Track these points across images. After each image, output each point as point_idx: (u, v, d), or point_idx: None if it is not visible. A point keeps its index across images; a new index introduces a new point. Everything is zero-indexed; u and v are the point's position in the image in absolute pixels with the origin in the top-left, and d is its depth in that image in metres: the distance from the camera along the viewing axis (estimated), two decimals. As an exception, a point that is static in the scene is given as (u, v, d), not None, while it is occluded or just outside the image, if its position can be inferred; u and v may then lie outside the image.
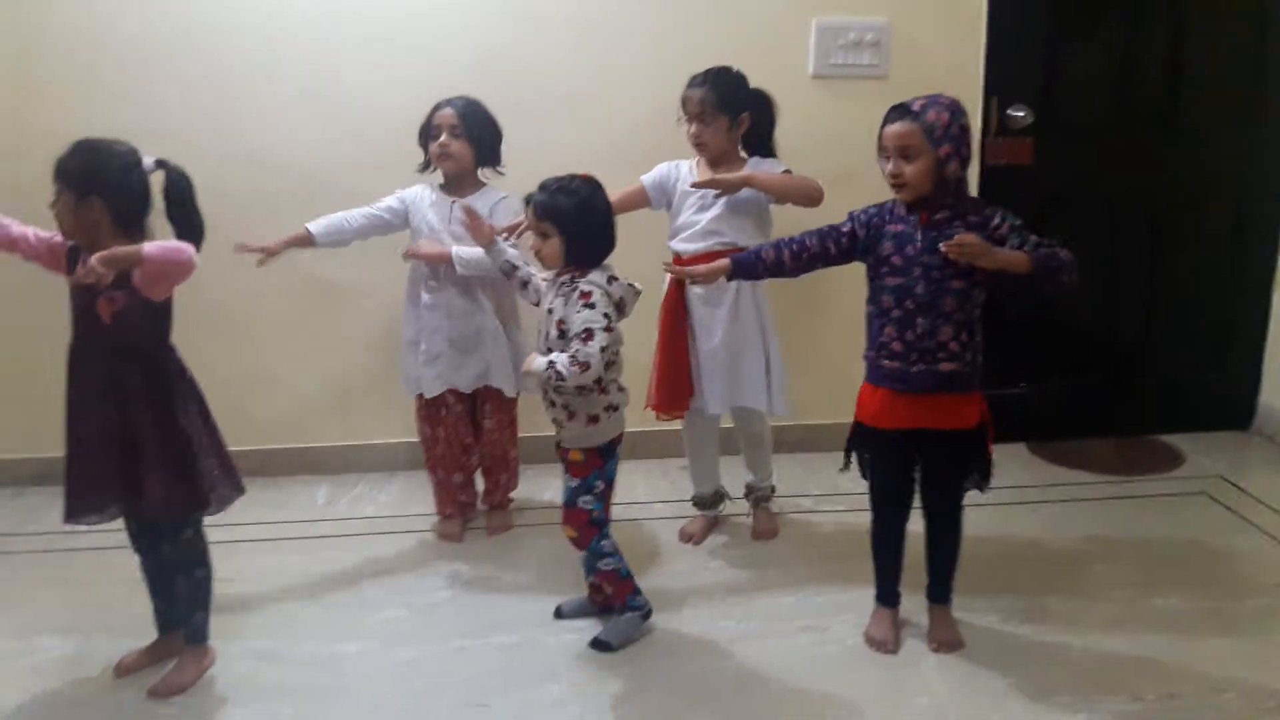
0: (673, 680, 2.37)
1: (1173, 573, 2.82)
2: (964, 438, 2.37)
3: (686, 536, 3.02)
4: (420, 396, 3.00)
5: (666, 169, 2.85)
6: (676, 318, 2.80)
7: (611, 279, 2.32)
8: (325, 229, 2.85)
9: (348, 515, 3.25)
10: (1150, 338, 3.77)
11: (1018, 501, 3.20)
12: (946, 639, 2.49)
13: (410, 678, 2.38)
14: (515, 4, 3.24)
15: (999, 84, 3.39)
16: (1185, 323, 3.76)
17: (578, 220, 2.28)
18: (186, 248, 2.09)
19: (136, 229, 2.15)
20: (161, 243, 2.10)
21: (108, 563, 2.75)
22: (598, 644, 2.47)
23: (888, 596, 2.54)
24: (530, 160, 2.99)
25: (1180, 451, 3.66)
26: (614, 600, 2.52)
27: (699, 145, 2.77)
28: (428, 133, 2.86)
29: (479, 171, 2.93)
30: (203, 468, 2.22)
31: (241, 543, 2.92)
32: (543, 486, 3.31)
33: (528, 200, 2.34)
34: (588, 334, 2.24)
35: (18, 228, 2.18)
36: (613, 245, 2.35)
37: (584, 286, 2.29)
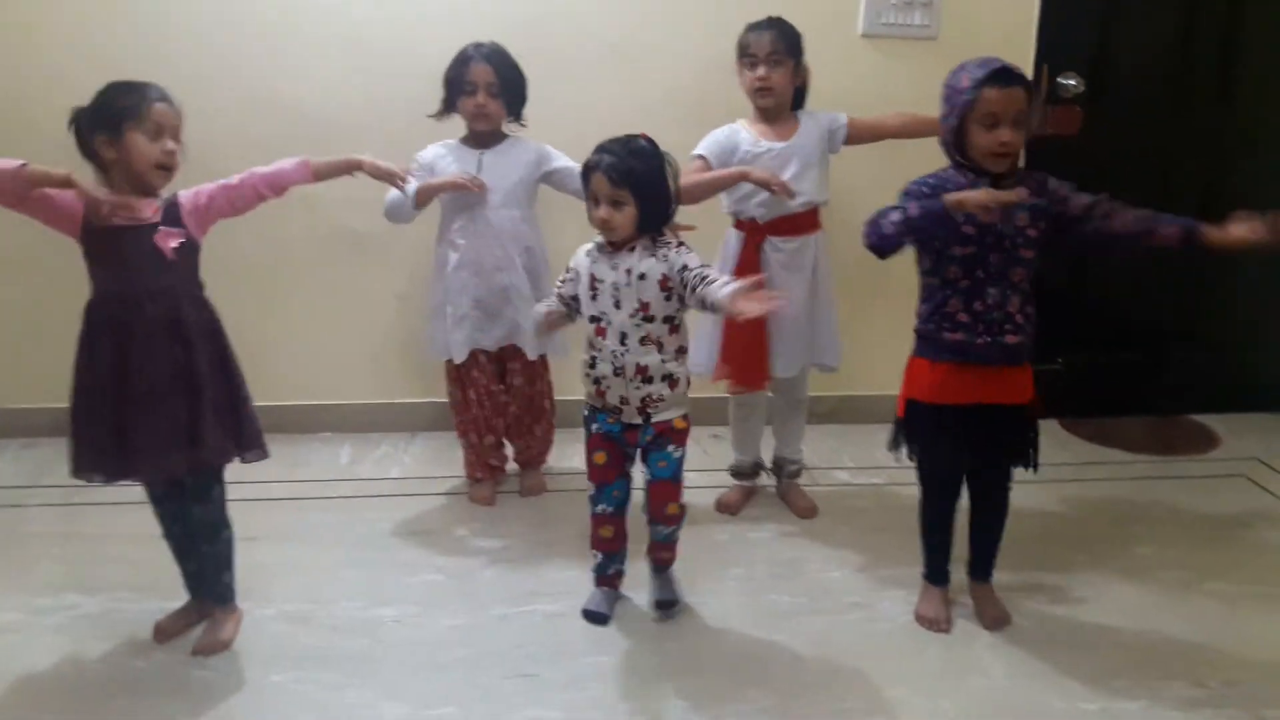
0: (723, 655, 2.31)
1: (1218, 556, 2.78)
2: (1019, 412, 2.31)
3: (724, 507, 2.95)
4: (450, 364, 2.91)
5: (723, 136, 2.69)
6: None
7: None
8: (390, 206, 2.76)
9: (373, 475, 3.16)
10: (1188, 317, 3.71)
11: (1055, 479, 3.13)
12: (996, 615, 2.44)
13: (453, 645, 2.31)
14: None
15: (1050, 51, 3.30)
16: (1223, 302, 3.70)
17: (653, 183, 2.15)
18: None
19: None
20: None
21: (119, 518, 2.69)
22: (667, 604, 2.42)
23: (938, 575, 2.48)
24: (572, 114, 2.91)
25: (1215, 433, 3.62)
26: (671, 560, 2.47)
27: (764, 90, 2.64)
28: (459, 86, 2.72)
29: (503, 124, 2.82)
30: (253, 408, 2.17)
31: (263, 500, 2.84)
32: (570, 453, 3.23)
33: (593, 166, 2.16)
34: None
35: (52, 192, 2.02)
36: (675, 209, 2.24)
37: (675, 241, 2.20)
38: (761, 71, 2.62)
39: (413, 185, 2.64)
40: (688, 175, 2.49)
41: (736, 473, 3.01)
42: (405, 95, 3.04)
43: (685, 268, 2.15)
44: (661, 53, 3.18)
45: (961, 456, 2.36)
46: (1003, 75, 2.11)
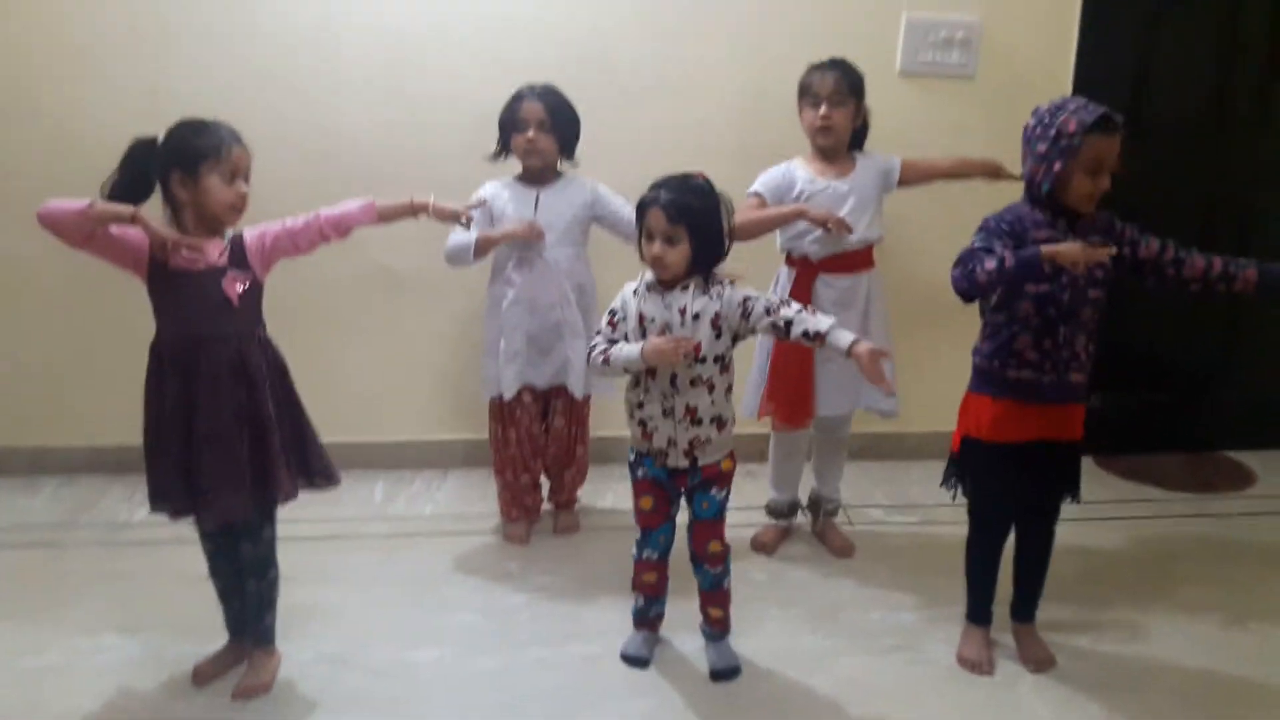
0: (763, 698, 2.29)
1: (1262, 597, 2.74)
2: (1072, 448, 2.31)
3: (760, 546, 2.94)
4: (497, 403, 2.91)
5: (779, 174, 2.71)
6: None
7: None
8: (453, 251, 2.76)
9: (407, 514, 3.16)
10: (1225, 352, 3.68)
11: (1094, 517, 3.10)
12: (1041, 657, 2.41)
13: (491, 690, 2.29)
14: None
15: (1087, 88, 3.29)
16: (1260, 338, 3.68)
17: (709, 221, 2.14)
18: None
19: None
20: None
21: (161, 557, 2.70)
22: (726, 673, 2.35)
23: (982, 614, 2.45)
24: (610, 153, 2.92)
25: (1251, 470, 3.59)
26: (725, 624, 2.41)
27: (826, 129, 2.65)
28: (512, 124, 2.76)
29: (559, 163, 2.84)
30: (319, 440, 2.21)
31: (298, 540, 2.81)
32: (603, 490, 3.22)
33: (649, 202, 2.14)
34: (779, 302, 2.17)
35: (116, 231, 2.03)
36: (728, 250, 2.22)
37: (727, 279, 2.19)
38: (824, 110, 2.64)
39: (473, 233, 2.67)
40: (743, 213, 2.51)
41: (774, 511, 2.99)
42: (452, 138, 3.10)
43: (748, 299, 2.15)
44: (704, 88, 3.20)
45: (1016, 494, 2.35)
46: (1109, 123, 2.10)
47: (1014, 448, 2.26)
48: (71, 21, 3.04)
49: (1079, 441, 2.32)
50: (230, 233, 2.12)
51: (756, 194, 2.69)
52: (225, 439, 2.07)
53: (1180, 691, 2.33)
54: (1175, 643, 2.52)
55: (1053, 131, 2.12)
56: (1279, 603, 2.71)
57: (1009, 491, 2.34)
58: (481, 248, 2.72)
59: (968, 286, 2.14)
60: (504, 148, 2.81)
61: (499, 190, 2.81)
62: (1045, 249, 2.06)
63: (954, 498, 2.40)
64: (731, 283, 2.19)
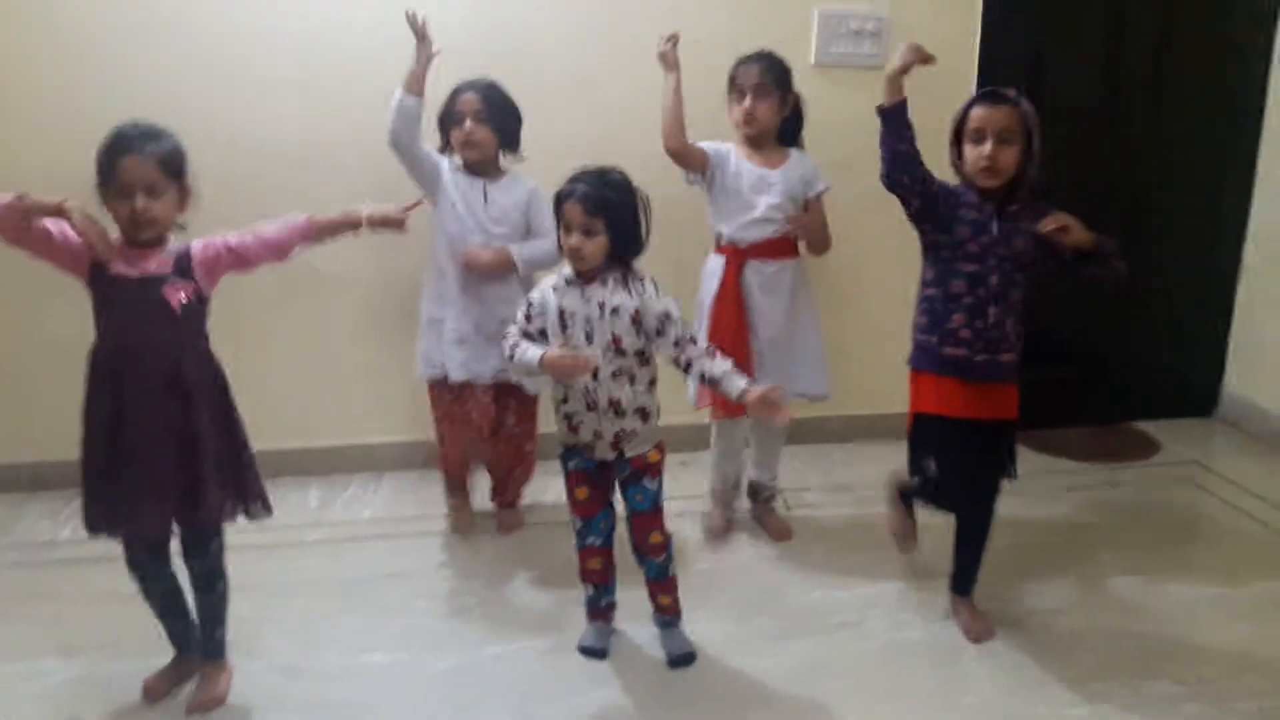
0: (719, 684, 2.34)
1: (1174, 558, 2.91)
2: (1007, 427, 2.41)
3: (715, 533, 2.98)
4: (440, 387, 2.88)
5: (715, 147, 2.77)
6: (735, 307, 2.75)
7: None
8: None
9: (345, 519, 3.12)
10: (1124, 328, 3.86)
11: (1012, 491, 3.21)
12: (982, 629, 2.51)
13: (449, 689, 2.30)
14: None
15: (990, 75, 3.42)
16: (1155, 311, 3.87)
17: (626, 215, 2.18)
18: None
19: None
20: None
21: (90, 576, 2.63)
22: (682, 659, 2.39)
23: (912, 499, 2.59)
24: (550, 145, 2.92)
25: (1154, 439, 3.78)
26: (675, 609, 2.45)
27: (749, 121, 2.71)
28: (449, 117, 2.75)
29: (501, 157, 2.83)
30: (256, 466, 2.15)
31: (237, 549, 2.71)
32: (544, 486, 3.22)
33: (566, 195, 2.18)
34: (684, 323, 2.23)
35: (50, 222, 1.97)
36: (646, 243, 2.26)
37: (649, 277, 2.24)
38: (747, 103, 2.69)
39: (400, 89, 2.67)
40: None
41: (719, 497, 3.04)
42: (373, 134, 3.04)
43: (667, 318, 2.20)
44: (621, 86, 3.21)
45: (969, 469, 2.43)
46: (991, 95, 2.27)
47: (963, 424, 2.36)
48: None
49: (1013, 421, 2.42)
50: (174, 243, 2.06)
51: (702, 147, 2.75)
52: (149, 453, 2.01)
53: (1106, 652, 2.45)
54: (1098, 606, 2.65)
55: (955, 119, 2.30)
56: (1188, 563, 2.88)
57: (959, 468, 2.42)
58: (412, 82, 2.68)
59: (886, 169, 2.33)
60: (445, 142, 2.80)
61: (450, 171, 2.80)
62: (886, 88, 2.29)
63: (913, 474, 2.50)
64: (654, 282, 2.24)
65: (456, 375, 2.82)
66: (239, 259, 2.11)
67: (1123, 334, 3.88)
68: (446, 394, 2.89)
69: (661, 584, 2.42)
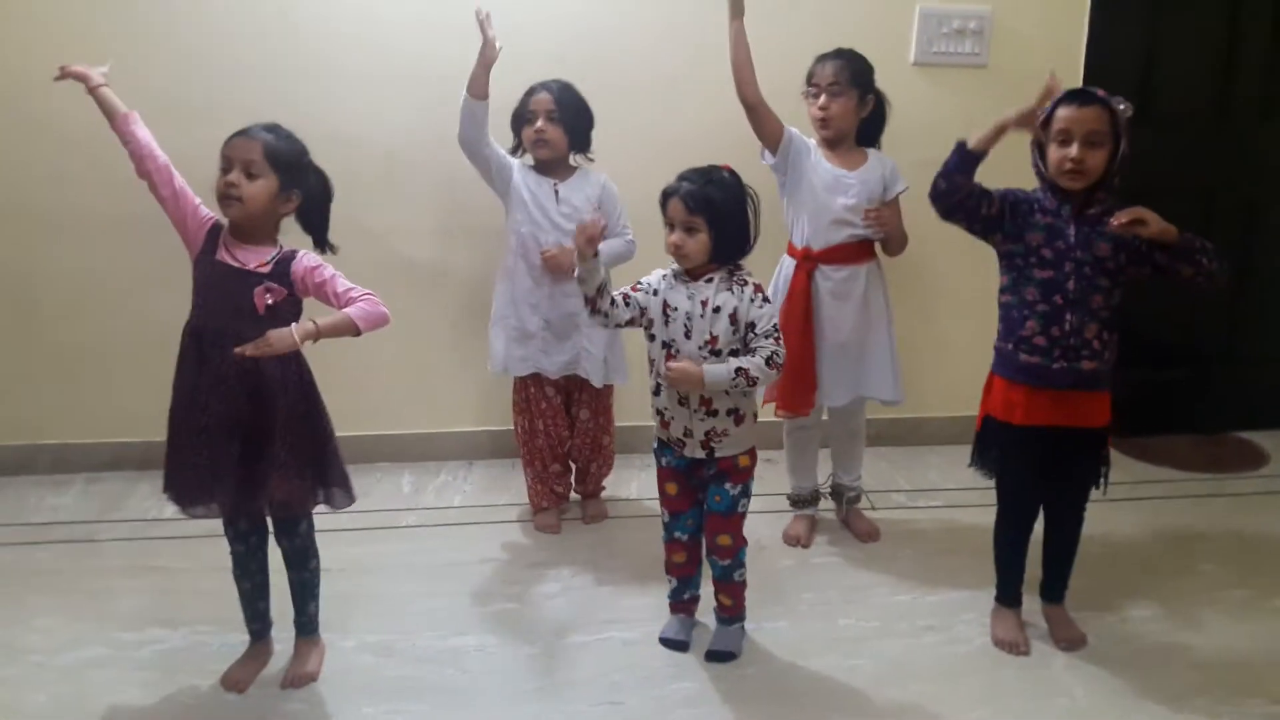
0: (804, 681, 2.33)
1: (1278, 576, 2.80)
2: (1095, 436, 2.35)
3: (794, 539, 2.95)
4: (517, 388, 2.95)
5: (797, 135, 2.74)
6: (803, 312, 2.72)
7: None
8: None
9: (436, 504, 3.19)
10: (1233, 333, 3.75)
11: (1113, 499, 3.10)
12: (1073, 637, 2.46)
13: (537, 675, 2.33)
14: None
15: (1099, 75, 3.33)
16: (1267, 319, 3.74)
17: (731, 214, 2.18)
18: (383, 309, 2.13)
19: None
20: (366, 307, 2.10)
21: (196, 550, 2.72)
22: (720, 655, 2.39)
23: (1012, 597, 2.50)
24: (623, 146, 2.95)
25: (1263, 449, 3.65)
26: (735, 610, 2.43)
27: (824, 120, 2.68)
28: (522, 117, 2.80)
29: (571, 156, 2.87)
30: (341, 459, 2.19)
31: (332, 531, 2.81)
32: (627, 480, 3.25)
33: (670, 192, 2.19)
34: (777, 332, 2.20)
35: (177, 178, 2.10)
36: (754, 243, 2.26)
37: (754, 280, 2.22)
38: (823, 101, 2.67)
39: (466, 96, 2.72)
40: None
41: (796, 501, 3.02)
42: (449, 132, 3.11)
43: (753, 328, 2.20)
44: (714, 85, 3.19)
45: (1035, 478, 2.39)
46: (1079, 95, 2.18)
47: (1031, 431, 2.30)
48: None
49: (1102, 429, 2.35)
50: (283, 246, 2.12)
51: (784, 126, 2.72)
52: (215, 437, 2.07)
53: (1205, 667, 2.38)
54: (1198, 620, 2.57)
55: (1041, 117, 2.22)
56: (1295, 579, 2.78)
57: (1028, 474, 2.38)
58: (475, 85, 2.71)
59: (933, 194, 2.27)
60: (518, 141, 2.85)
61: (520, 171, 2.84)
62: (976, 135, 2.20)
63: (976, 475, 2.45)
64: (756, 285, 2.22)
65: (516, 370, 2.88)
66: (328, 300, 2.12)
67: (1231, 339, 3.76)
68: (526, 399, 2.94)
69: (725, 585, 2.41)
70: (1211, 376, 3.78)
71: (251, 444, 2.09)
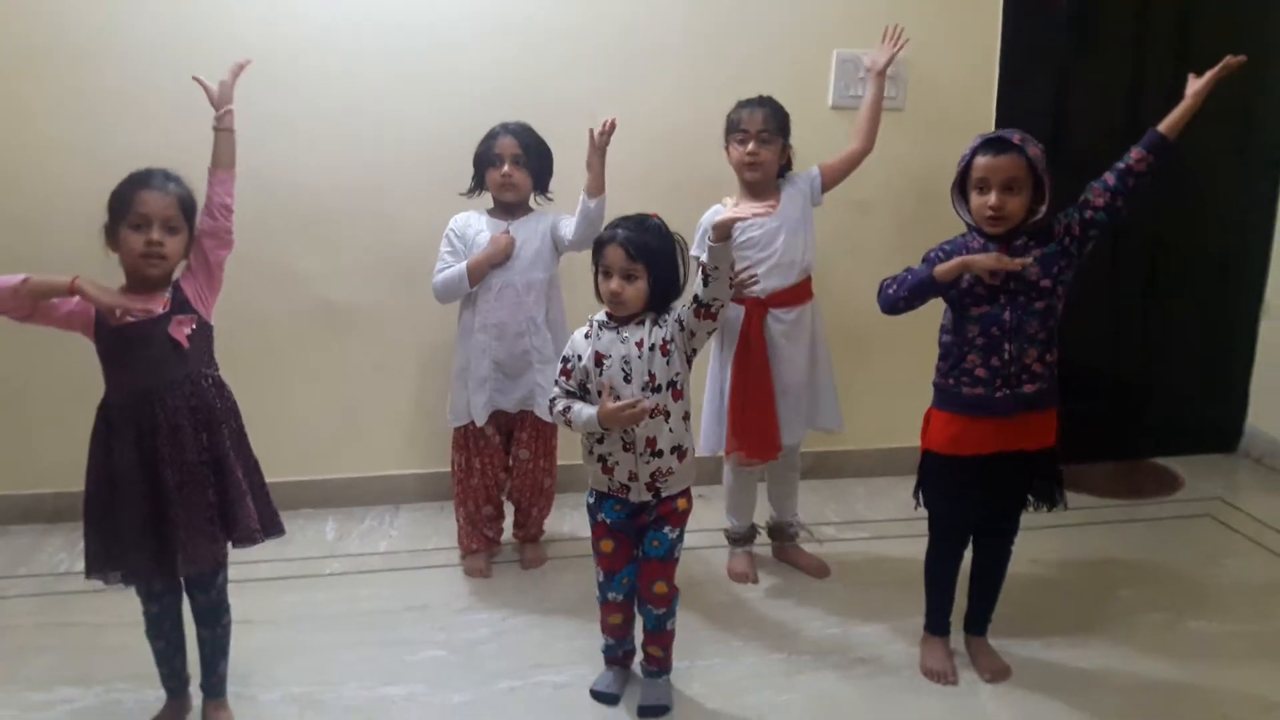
0: (743, 714, 2.33)
1: (1196, 597, 2.87)
2: (1041, 457, 2.39)
3: (741, 577, 2.94)
4: (463, 431, 2.91)
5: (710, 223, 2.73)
6: (759, 359, 2.74)
7: None
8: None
9: (361, 550, 3.13)
10: (1145, 365, 3.86)
11: (1031, 526, 3.20)
12: (997, 668, 2.49)
13: (466, 723, 2.29)
14: (543, 29, 3.18)
15: (1009, 119, 3.42)
16: (1177, 351, 3.87)
17: (667, 261, 2.19)
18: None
19: None
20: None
21: (108, 605, 2.61)
22: (653, 710, 2.34)
23: (941, 625, 2.53)
24: (556, 184, 2.95)
25: (1177, 475, 3.75)
26: (664, 663, 2.40)
27: (753, 165, 2.70)
28: (487, 159, 2.78)
29: (532, 198, 2.88)
30: (270, 497, 2.17)
31: (252, 581, 2.78)
32: (560, 519, 3.22)
33: (606, 240, 2.18)
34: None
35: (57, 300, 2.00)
36: (683, 289, 2.26)
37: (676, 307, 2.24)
38: (752, 147, 2.69)
39: (461, 263, 2.74)
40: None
41: (736, 539, 3.01)
42: (391, 175, 3.09)
43: (680, 319, 2.20)
44: (642, 127, 3.20)
45: (975, 506, 2.42)
46: (995, 143, 2.22)
47: (974, 461, 2.34)
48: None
49: (1051, 449, 2.40)
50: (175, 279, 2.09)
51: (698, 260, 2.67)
52: (195, 485, 2.03)
53: (1127, 690, 2.43)
54: (1119, 643, 2.62)
55: (960, 166, 2.27)
56: (1209, 601, 2.85)
57: (968, 504, 2.41)
58: (476, 275, 2.75)
59: (882, 301, 2.35)
60: (479, 183, 2.83)
61: (471, 220, 2.83)
62: (944, 266, 2.21)
63: (916, 507, 2.48)
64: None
65: (481, 418, 2.84)
66: (203, 261, 2.11)
67: (1145, 370, 3.87)
68: (466, 436, 2.91)
69: (657, 636, 2.37)
70: (1128, 405, 3.88)
71: (219, 478, 2.07)
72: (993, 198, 2.20)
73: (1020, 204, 2.21)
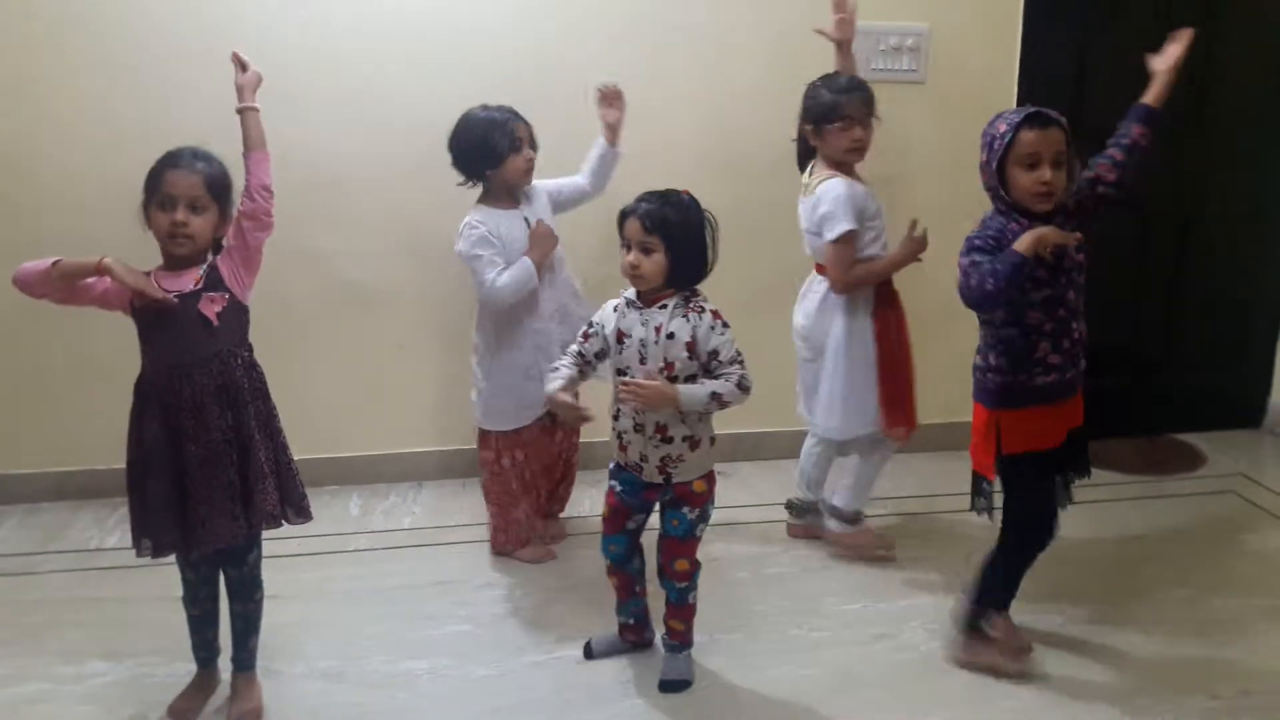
0: (758, 692, 2.35)
1: (1220, 572, 2.87)
2: (1083, 433, 2.38)
3: (887, 545, 2.96)
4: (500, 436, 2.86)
5: (848, 193, 2.70)
6: (897, 323, 2.79)
7: None
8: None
9: (385, 527, 3.16)
10: (1169, 340, 3.84)
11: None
12: (1020, 643, 2.47)
13: (491, 696, 2.32)
14: (562, 11, 3.18)
15: (1032, 91, 3.41)
16: (1202, 325, 3.84)
17: (688, 236, 2.16)
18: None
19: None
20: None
21: (138, 580, 2.68)
22: (675, 685, 2.35)
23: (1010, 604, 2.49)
24: (569, 165, 2.95)
25: (1200, 451, 3.73)
26: (685, 637, 2.40)
27: (861, 149, 2.72)
28: (510, 145, 2.67)
29: None
30: (297, 473, 2.20)
31: (279, 557, 2.79)
32: (580, 497, 3.23)
33: (628, 212, 2.17)
34: (741, 357, 2.19)
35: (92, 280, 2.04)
36: (710, 269, 2.23)
37: (711, 306, 2.20)
38: (858, 133, 2.70)
39: (524, 262, 2.69)
40: (852, 263, 2.68)
41: (799, 510, 3.05)
42: (398, 154, 3.11)
43: (715, 355, 2.17)
44: (666, 109, 3.22)
45: (1059, 491, 2.40)
46: (1039, 117, 2.16)
47: (1051, 450, 2.31)
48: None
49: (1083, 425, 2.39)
50: (209, 259, 2.11)
51: (851, 231, 2.66)
52: (216, 462, 2.06)
53: (1148, 665, 2.43)
54: (1140, 620, 2.62)
55: (988, 139, 2.20)
56: (1232, 577, 2.84)
57: (1053, 493, 2.38)
58: (540, 270, 2.72)
59: (979, 299, 2.14)
60: (494, 166, 2.71)
61: (494, 218, 2.72)
62: (1024, 244, 2.09)
63: (978, 513, 2.42)
64: (715, 313, 2.20)
65: (531, 416, 2.82)
66: (241, 242, 2.11)
67: (1169, 346, 3.85)
68: (525, 431, 2.86)
69: (678, 610, 2.38)
70: (1151, 382, 3.87)
71: (242, 458, 2.09)
72: (1046, 173, 2.14)
73: (1063, 179, 2.18)
